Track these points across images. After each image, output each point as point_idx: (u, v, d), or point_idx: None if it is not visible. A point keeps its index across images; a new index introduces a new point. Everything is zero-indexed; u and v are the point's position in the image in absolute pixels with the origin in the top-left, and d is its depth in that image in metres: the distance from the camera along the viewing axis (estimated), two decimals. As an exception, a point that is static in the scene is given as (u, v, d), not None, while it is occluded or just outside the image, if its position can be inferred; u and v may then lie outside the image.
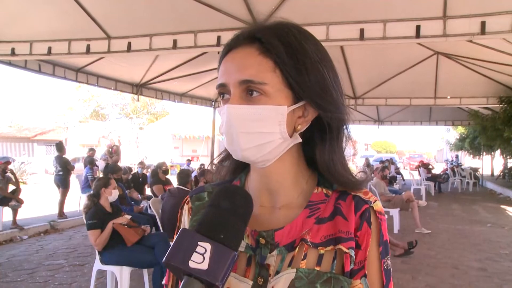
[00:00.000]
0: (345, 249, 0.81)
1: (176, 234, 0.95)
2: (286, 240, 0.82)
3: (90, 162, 10.47)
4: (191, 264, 0.64)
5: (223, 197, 0.73)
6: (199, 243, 0.66)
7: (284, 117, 0.80)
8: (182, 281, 0.65)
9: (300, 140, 0.84)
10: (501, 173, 22.05)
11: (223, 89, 0.83)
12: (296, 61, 0.80)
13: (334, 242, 0.82)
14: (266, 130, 0.80)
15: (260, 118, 0.79)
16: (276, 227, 0.84)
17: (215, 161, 1.00)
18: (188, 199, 0.97)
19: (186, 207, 0.97)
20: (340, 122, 0.86)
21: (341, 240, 0.81)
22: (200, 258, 0.65)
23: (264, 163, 0.84)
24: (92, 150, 11.63)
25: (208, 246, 0.66)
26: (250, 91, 0.79)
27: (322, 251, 0.81)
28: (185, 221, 0.95)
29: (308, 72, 0.80)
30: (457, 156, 28.59)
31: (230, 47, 0.84)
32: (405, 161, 41.65)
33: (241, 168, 0.97)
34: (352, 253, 0.81)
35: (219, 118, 0.91)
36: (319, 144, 0.87)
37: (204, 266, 0.64)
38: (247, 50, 0.81)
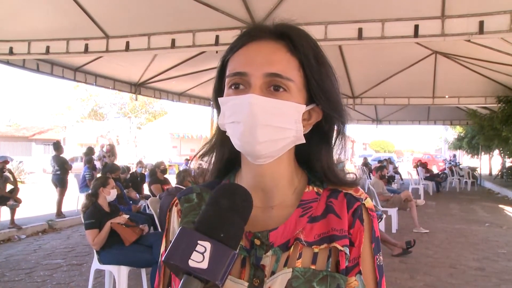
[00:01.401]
0: (339, 247, 0.81)
1: (165, 236, 0.94)
2: (281, 240, 0.82)
3: (88, 161, 10.45)
4: (191, 263, 0.64)
5: (223, 195, 0.72)
6: (199, 242, 0.65)
7: (300, 116, 0.82)
8: (182, 280, 0.64)
9: (304, 141, 0.85)
10: (499, 173, 22.08)
11: (239, 79, 0.80)
12: (319, 64, 0.83)
13: (328, 240, 0.82)
14: (284, 126, 0.80)
15: (280, 113, 0.79)
16: (269, 228, 0.84)
17: (199, 157, 0.97)
18: (177, 201, 0.95)
19: (174, 209, 0.94)
20: (340, 125, 0.89)
21: (335, 238, 0.82)
22: (200, 257, 0.64)
23: (266, 160, 0.83)
24: (90, 149, 11.57)
25: (208, 245, 0.65)
26: (274, 85, 0.79)
27: (316, 250, 0.81)
28: (174, 224, 0.93)
29: (326, 76, 0.84)
30: (454, 156, 28.64)
31: (252, 38, 0.83)
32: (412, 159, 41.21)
33: (226, 169, 0.96)
34: (347, 250, 0.81)
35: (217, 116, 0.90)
36: (318, 146, 0.90)
37: (204, 265, 0.64)
38: (274, 45, 0.82)
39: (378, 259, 0.86)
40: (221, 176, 0.96)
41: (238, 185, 0.77)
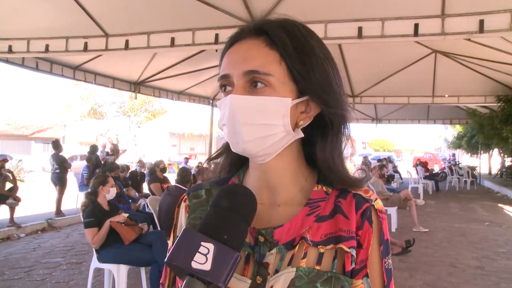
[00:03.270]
0: (346, 249, 0.80)
1: (172, 232, 0.94)
2: (286, 238, 0.81)
3: (87, 159, 10.44)
4: (194, 265, 0.63)
5: (226, 196, 0.72)
6: (202, 243, 0.65)
7: (288, 109, 0.80)
8: (184, 282, 0.64)
9: (302, 135, 0.84)
10: (499, 172, 22.09)
11: (225, 81, 0.81)
12: (302, 55, 0.81)
13: (335, 241, 0.81)
14: (270, 122, 0.79)
15: (264, 109, 0.78)
16: (275, 225, 0.82)
17: (213, 159, 0.99)
18: (185, 196, 0.95)
19: (183, 205, 0.95)
20: (341, 119, 0.86)
21: (342, 239, 0.80)
22: (203, 259, 0.64)
23: (264, 158, 0.82)
24: (94, 148, 11.52)
25: (211, 246, 0.65)
26: (254, 82, 0.78)
27: (322, 250, 0.80)
28: (182, 219, 0.93)
29: (313, 67, 0.81)
30: (454, 155, 28.61)
31: (235, 40, 0.84)
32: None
33: (237, 166, 0.96)
34: (354, 252, 0.80)
35: (217, 114, 0.90)
36: (320, 141, 0.87)
37: (207, 267, 0.63)
38: (252, 42, 0.81)
39: (387, 263, 0.84)
40: (232, 174, 0.96)
41: (242, 186, 0.77)
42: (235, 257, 0.65)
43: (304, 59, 0.81)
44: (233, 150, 0.83)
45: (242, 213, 0.71)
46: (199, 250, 0.64)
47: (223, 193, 0.73)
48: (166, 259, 0.65)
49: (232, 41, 0.84)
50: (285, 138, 0.82)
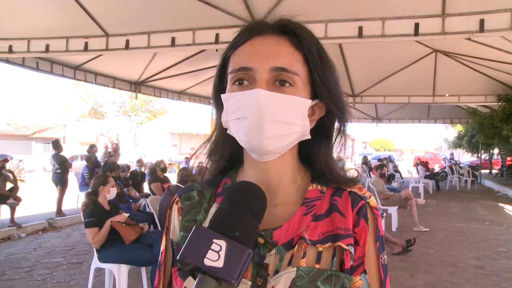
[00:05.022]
0: (345, 246, 0.80)
1: (165, 235, 0.92)
2: (284, 238, 0.81)
3: (87, 159, 10.44)
4: (206, 262, 0.63)
5: (238, 193, 0.72)
6: (214, 240, 0.65)
7: (306, 111, 0.81)
8: (197, 279, 0.64)
9: (309, 137, 0.84)
10: (499, 171, 22.07)
11: (243, 74, 0.79)
12: (322, 59, 0.83)
13: (332, 239, 0.81)
14: (292, 121, 0.79)
15: (288, 108, 0.78)
16: (273, 226, 0.82)
17: (207, 157, 0.95)
18: (177, 198, 0.94)
19: (175, 207, 0.93)
20: (344, 121, 0.88)
21: (340, 237, 0.81)
22: (216, 256, 0.64)
23: (272, 156, 0.82)
24: (93, 147, 11.51)
25: (223, 243, 0.65)
26: (281, 80, 0.78)
27: (320, 249, 0.80)
28: (175, 222, 0.92)
29: (330, 72, 0.84)
30: (452, 154, 28.59)
31: (256, 33, 0.82)
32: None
33: (226, 167, 0.95)
34: (352, 249, 0.80)
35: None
36: (323, 143, 0.89)
37: (220, 264, 0.63)
38: (277, 39, 0.81)
39: (383, 258, 0.85)
40: (223, 174, 0.95)
41: (251, 183, 0.76)
42: (248, 254, 0.65)
43: (323, 64, 0.82)
44: (244, 145, 0.82)
45: (254, 210, 0.71)
46: (211, 247, 0.64)
47: (236, 190, 0.73)
48: (178, 256, 0.65)
49: (251, 34, 0.82)
50: (298, 139, 0.83)
